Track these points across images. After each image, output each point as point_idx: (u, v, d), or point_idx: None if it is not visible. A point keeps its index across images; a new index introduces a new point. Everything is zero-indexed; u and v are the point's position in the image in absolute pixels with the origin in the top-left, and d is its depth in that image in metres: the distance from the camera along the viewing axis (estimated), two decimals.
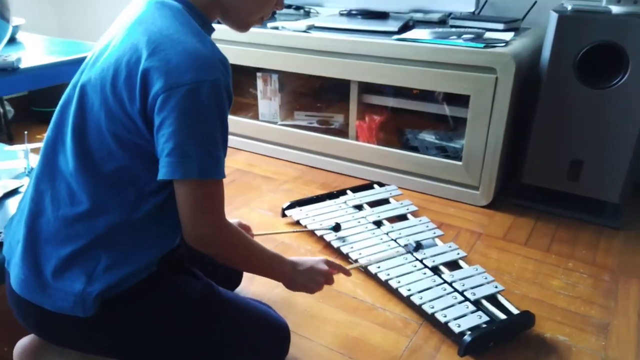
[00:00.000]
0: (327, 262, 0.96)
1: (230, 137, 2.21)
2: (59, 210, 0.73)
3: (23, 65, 1.01)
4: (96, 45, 0.79)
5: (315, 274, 0.92)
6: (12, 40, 1.26)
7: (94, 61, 0.75)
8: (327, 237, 1.35)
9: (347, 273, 1.01)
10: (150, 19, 0.71)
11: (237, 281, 1.13)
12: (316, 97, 2.07)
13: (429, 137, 1.76)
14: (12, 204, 1.21)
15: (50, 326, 0.75)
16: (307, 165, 1.89)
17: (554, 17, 1.36)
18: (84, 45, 1.24)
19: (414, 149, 1.74)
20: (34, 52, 1.16)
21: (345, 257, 1.29)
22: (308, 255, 1.34)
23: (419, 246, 1.29)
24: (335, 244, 1.32)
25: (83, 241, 0.72)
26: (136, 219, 0.74)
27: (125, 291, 0.73)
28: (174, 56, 0.67)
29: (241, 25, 0.83)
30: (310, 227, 1.41)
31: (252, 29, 1.88)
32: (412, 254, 1.27)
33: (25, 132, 1.46)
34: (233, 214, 1.54)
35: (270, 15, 0.85)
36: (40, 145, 0.79)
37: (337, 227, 1.37)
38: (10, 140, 2.08)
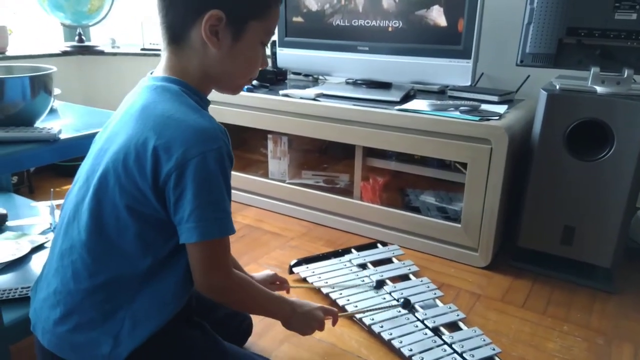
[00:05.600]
0: (324, 310, 1.04)
1: (241, 193, 2.31)
2: (80, 283, 0.79)
3: (62, 135, 1.11)
4: (105, 126, 0.87)
5: (311, 319, 1.01)
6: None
7: (107, 147, 0.82)
8: (333, 295, 1.42)
9: (335, 321, 1.10)
10: (152, 104, 0.80)
11: (246, 335, 1.20)
12: (323, 156, 2.18)
13: (429, 198, 1.85)
14: (38, 259, 1.29)
15: None
16: (313, 223, 1.98)
17: (543, 95, 1.48)
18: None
19: (416, 210, 1.82)
20: (69, 121, 1.27)
21: (350, 316, 1.36)
22: None
23: (407, 303, 1.35)
24: (341, 302, 1.39)
25: (106, 308, 0.78)
26: (153, 283, 0.80)
27: (139, 347, 0.79)
28: (180, 135, 0.75)
29: (234, 89, 0.92)
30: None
31: (265, 96, 2.02)
32: (404, 309, 1.34)
33: (52, 190, 1.56)
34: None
35: (258, 74, 0.94)
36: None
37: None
38: (31, 193, 2.18)
